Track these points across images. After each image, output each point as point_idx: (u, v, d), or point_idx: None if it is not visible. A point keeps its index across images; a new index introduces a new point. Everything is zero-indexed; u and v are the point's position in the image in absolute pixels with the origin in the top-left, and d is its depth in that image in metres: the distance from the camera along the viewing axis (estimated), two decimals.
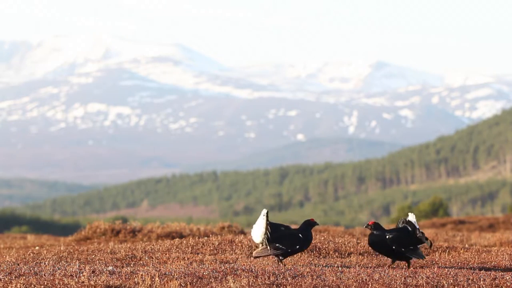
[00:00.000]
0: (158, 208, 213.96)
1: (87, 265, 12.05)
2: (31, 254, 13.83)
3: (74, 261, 12.58)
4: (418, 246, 12.76)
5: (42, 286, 10.27)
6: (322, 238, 15.61)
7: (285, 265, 12.42)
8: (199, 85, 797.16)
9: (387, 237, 12.57)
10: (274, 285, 10.55)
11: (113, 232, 20.80)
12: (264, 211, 12.55)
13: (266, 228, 12.46)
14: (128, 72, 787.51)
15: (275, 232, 12.47)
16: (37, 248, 17.91)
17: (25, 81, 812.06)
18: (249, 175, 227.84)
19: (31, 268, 11.38)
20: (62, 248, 14.98)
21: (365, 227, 12.83)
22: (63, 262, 12.51)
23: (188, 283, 10.56)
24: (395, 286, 10.62)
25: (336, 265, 12.34)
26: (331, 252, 14.45)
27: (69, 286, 10.32)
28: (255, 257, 12.81)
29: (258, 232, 12.55)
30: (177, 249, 13.99)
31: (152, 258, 13.09)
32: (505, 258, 13.93)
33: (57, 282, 10.42)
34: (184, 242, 14.77)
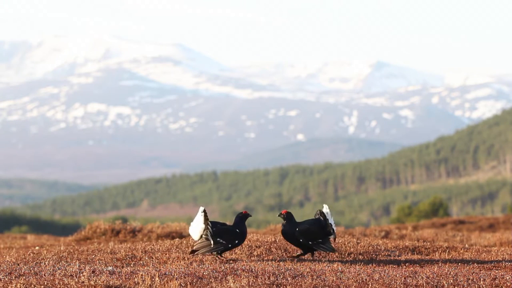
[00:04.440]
0: (158, 208, 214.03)
1: (87, 265, 12.06)
2: (31, 254, 13.84)
3: (74, 261, 12.59)
4: (329, 237, 13.08)
5: (42, 286, 10.28)
6: None
7: (224, 258, 12.75)
8: (199, 85, 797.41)
9: (297, 229, 12.90)
10: (274, 285, 10.56)
11: (113, 232, 20.81)
12: (201, 208, 12.77)
13: (206, 224, 12.66)
14: (128, 72, 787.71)
15: (214, 228, 12.69)
16: (37, 248, 17.91)
17: (25, 81, 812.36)
18: (249, 175, 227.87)
19: (31, 268, 11.39)
20: (62, 248, 14.99)
21: (278, 215, 13.19)
22: (63, 262, 12.51)
23: (188, 283, 10.58)
24: (395, 286, 10.63)
25: (336, 265, 12.34)
26: (331, 252, 14.46)
27: (69, 286, 10.34)
28: (195, 253, 12.81)
29: (197, 228, 12.75)
30: (177, 249, 14.00)
31: (152, 258, 13.10)
32: (505, 258, 13.94)
33: (57, 282, 10.43)
34: (184, 242, 14.78)
